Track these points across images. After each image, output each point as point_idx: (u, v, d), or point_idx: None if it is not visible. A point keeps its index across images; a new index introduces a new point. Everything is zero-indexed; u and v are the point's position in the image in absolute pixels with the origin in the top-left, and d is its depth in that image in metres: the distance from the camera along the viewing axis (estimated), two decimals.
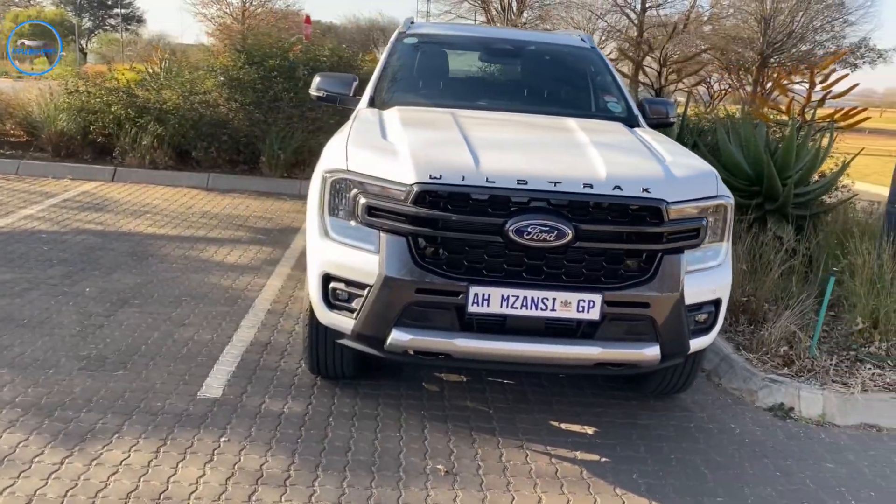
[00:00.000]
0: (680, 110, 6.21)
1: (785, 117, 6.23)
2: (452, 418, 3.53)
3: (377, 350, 3.27)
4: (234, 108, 8.98)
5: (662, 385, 3.79)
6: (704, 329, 3.30)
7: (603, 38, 52.75)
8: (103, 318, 4.43)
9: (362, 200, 3.07)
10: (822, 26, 51.50)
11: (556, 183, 2.99)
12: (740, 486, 3.13)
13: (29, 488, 2.73)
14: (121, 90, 9.10)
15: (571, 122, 4.03)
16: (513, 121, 4.04)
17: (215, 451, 3.09)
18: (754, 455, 3.41)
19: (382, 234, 3.04)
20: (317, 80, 4.56)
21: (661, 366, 3.29)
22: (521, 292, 2.97)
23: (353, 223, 3.14)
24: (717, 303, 3.29)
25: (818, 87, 5.60)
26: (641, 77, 35.76)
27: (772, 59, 46.73)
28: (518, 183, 2.98)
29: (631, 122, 4.33)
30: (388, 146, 3.28)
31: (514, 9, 49.40)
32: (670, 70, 38.25)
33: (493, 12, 49.36)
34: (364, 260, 3.06)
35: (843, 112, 5.68)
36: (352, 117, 4.06)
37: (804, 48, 47.73)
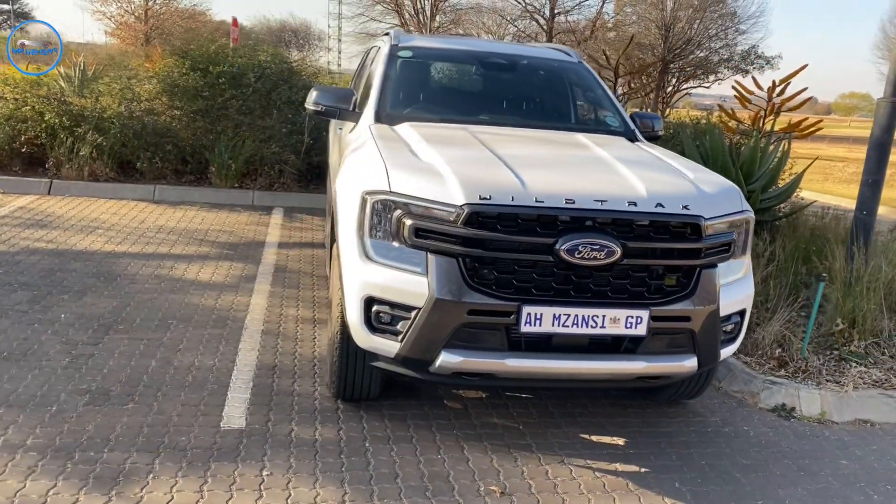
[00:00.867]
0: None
1: (731, 125, 6.56)
2: (486, 437, 3.52)
3: (419, 372, 3.23)
4: (179, 117, 8.60)
5: (679, 393, 3.92)
6: (732, 338, 3.43)
7: (514, 42, 53.86)
8: (91, 347, 4.16)
9: (409, 222, 3.02)
10: (717, 34, 54.28)
11: (602, 201, 3.04)
12: (774, 488, 3.28)
13: None
14: (52, 97, 8.55)
15: (581, 138, 4.10)
16: (527, 136, 4.06)
17: (262, 486, 2.96)
18: (775, 456, 3.57)
19: (430, 256, 3.00)
20: (313, 94, 4.44)
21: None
22: (572, 310, 3.00)
23: (396, 244, 3.08)
24: (742, 313, 3.43)
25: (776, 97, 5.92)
26: None
27: (672, 65, 49.02)
28: (566, 202, 3.00)
29: (630, 136, 4.45)
30: (428, 166, 3.23)
31: (428, 12, 49.84)
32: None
33: (406, 15, 49.59)
34: (411, 282, 3.01)
35: (798, 122, 6.03)
36: (364, 133, 3.96)
37: (701, 54, 50.25)
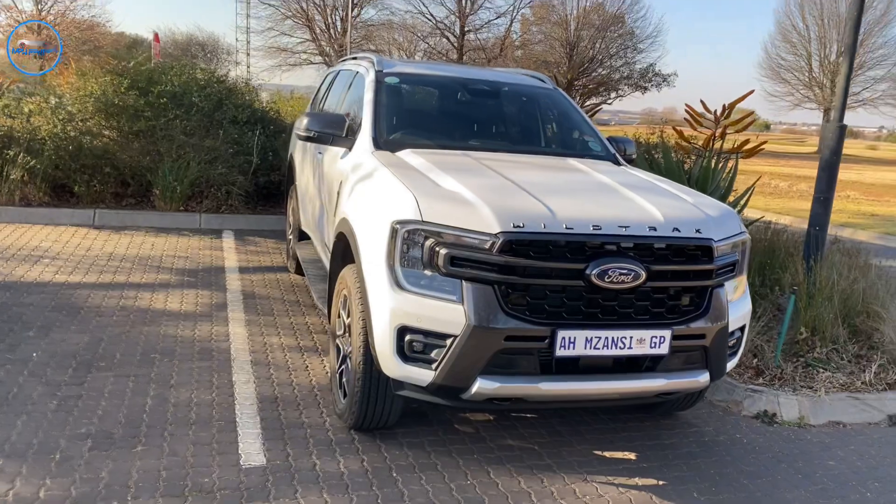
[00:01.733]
0: None
1: (684, 145, 6.94)
2: (507, 459, 3.57)
3: (448, 400, 3.26)
4: (117, 138, 8.22)
5: (675, 406, 4.10)
6: (735, 352, 3.64)
7: (424, 59, 54.53)
8: (76, 387, 3.94)
9: (443, 251, 3.04)
10: (618, 53, 57.05)
11: (625, 227, 3.17)
12: (781, 492, 3.49)
13: None
14: None
15: (575, 163, 4.25)
16: (528, 162, 4.16)
17: None
18: (772, 461, 3.80)
19: (465, 283, 3.04)
20: (304, 120, 4.38)
21: None
22: (603, 333, 3.11)
23: (428, 273, 3.10)
24: (743, 328, 3.65)
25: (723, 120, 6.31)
26: None
27: (576, 82, 50.86)
28: (593, 228, 3.12)
29: (613, 160, 4.64)
30: (453, 194, 3.27)
31: (339, 28, 49.65)
32: None
33: (317, 30, 49.23)
34: (447, 310, 3.04)
35: (743, 142, 6.44)
36: (368, 160, 3.95)
37: (603, 72, 52.48)
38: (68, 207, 7.97)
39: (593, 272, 3.06)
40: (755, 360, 4.71)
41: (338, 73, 6.12)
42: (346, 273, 3.68)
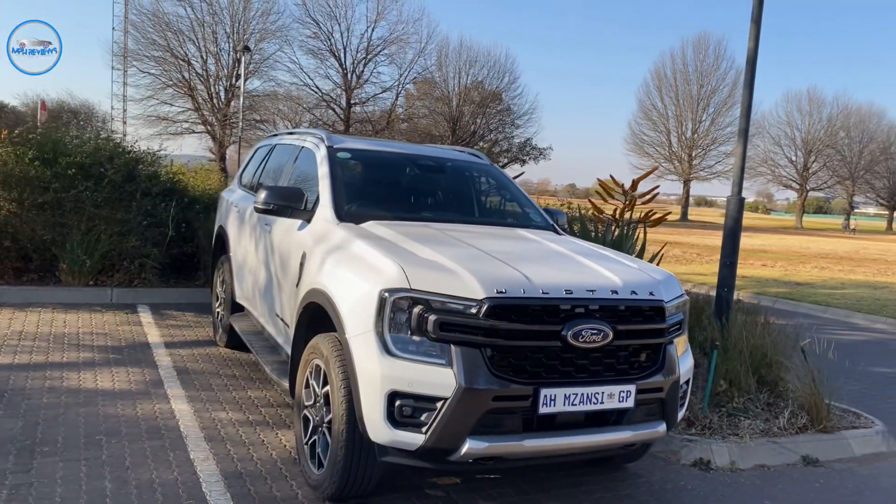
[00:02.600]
0: None
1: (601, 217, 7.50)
2: None
3: (434, 463, 3.37)
4: (17, 211, 7.81)
5: (624, 459, 4.38)
6: (683, 403, 3.98)
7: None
8: (24, 475, 3.71)
9: (432, 317, 3.21)
10: (497, 128, 60.05)
11: (592, 291, 3.47)
12: None
13: None
14: None
15: (525, 233, 4.58)
16: (485, 233, 4.43)
17: None
18: (723, 503, 4.14)
19: (454, 348, 3.21)
20: (262, 194, 4.46)
21: None
22: (579, 389, 3.35)
23: (416, 338, 3.25)
24: (688, 381, 4.01)
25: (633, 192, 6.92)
26: None
27: None
28: (566, 293, 3.40)
29: (553, 230, 5.00)
30: (435, 264, 3.46)
31: (223, 98, 49.26)
32: None
33: (200, 100, 48.58)
34: (437, 373, 3.18)
35: (648, 213, 7.07)
36: (336, 232, 4.08)
37: (485, 146, 54.91)
38: None
39: (569, 332, 3.32)
40: (686, 412, 5.11)
41: (273, 146, 6.22)
42: (320, 342, 3.74)
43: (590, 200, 7.28)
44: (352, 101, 52.08)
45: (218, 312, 6.60)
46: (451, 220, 4.70)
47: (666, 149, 69.08)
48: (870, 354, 8.65)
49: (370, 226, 4.19)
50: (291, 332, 4.34)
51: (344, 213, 4.34)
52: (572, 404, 3.34)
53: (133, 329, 6.85)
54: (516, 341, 3.28)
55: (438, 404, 3.18)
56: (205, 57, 47.52)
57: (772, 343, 5.92)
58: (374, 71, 52.04)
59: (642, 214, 7.12)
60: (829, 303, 12.89)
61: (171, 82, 47.03)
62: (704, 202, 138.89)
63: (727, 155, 66.16)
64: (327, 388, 3.63)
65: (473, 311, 3.22)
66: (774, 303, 9.11)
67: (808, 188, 77.65)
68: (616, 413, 3.53)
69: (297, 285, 4.27)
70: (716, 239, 32.60)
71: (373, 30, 50.30)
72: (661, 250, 7.03)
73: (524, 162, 59.13)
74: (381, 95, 53.02)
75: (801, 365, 5.60)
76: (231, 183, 7.41)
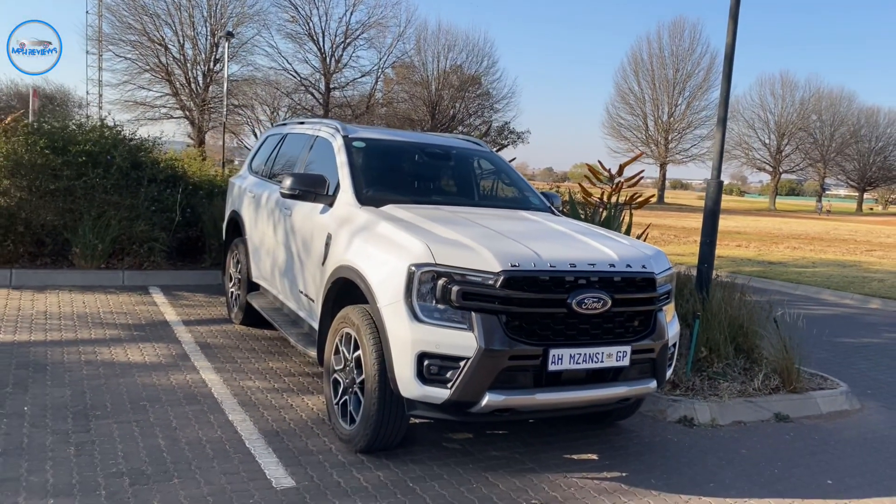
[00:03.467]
0: None
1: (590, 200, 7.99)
2: (497, 466, 4.17)
3: (457, 414, 3.85)
4: (29, 198, 8.11)
5: (616, 416, 4.90)
6: (671, 364, 4.49)
7: (288, 114, 54.93)
8: (85, 434, 4.12)
9: (455, 288, 3.67)
10: (476, 112, 60.33)
11: (592, 265, 3.96)
12: (714, 474, 4.32)
13: None
14: None
15: (528, 214, 5.05)
16: (492, 214, 4.89)
17: None
18: (700, 454, 4.64)
19: (474, 314, 3.68)
20: (288, 180, 4.88)
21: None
22: (582, 350, 3.84)
23: (441, 306, 3.71)
24: (675, 344, 4.52)
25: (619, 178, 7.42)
26: None
27: None
28: (570, 266, 3.88)
29: (551, 211, 5.48)
30: (455, 241, 3.92)
31: (200, 83, 48.96)
32: None
33: (178, 85, 48.25)
34: (460, 336, 3.65)
35: (633, 196, 7.58)
36: (360, 215, 4.52)
37: (463, 130, 55.18)
38: None
39: (573, 301, 3.80)
40: (672, 374, 5.64)
41: (284, 135, 6.61)
42: (350, 312, 4.18)
43: (579, 185, 7.76)
44: (331, 86, 52.04)
45: (232, 292, 7.01)
46: (460, 203, 5.16)
47: (643, 132, 69.91)
48: (836, 326, 9.28)
49: (390, 209, 4.63)
50: (317, 305, 4.78)
51: (364, 198, 4.78)
52: (576, 363, 3.83)
53: (150, 309, 7.24)
54: (528, 308, 3.75)
55: (461, 363, 3.65)
56: (182, 41, 47.13)
57: (748, 315, 6.47)
58: (353, 55, 52.08)
59: (627, 197, 7.61)
60: (799, 280, 13.56)
61: (147, 67, 46.60)
62: (680, 185, 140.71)
63: (702, 138, 67.20)
64: (358, 352, 4.09)
65: (491, 282, 3.69)
66: (749, 281, 9.68)
67: (781, 171, 79.06)
68: (613, 371, 4.03)
69: (322, 263, 4.70)
70: (692, 221, 33.41)
71: (351, 13, 50.29)
72: (645, 231, 7.54)
73: (503, 146, 59.59)
74: (360, 80, 53.03)
75: (774, 334, 6.15)
76: (240, 169, 7.78)
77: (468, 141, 6.17)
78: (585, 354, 3.85)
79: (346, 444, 4.22)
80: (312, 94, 52.68)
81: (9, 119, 9.47)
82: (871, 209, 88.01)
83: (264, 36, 49.04)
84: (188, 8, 45.66)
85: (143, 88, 46.96)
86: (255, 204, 6.39)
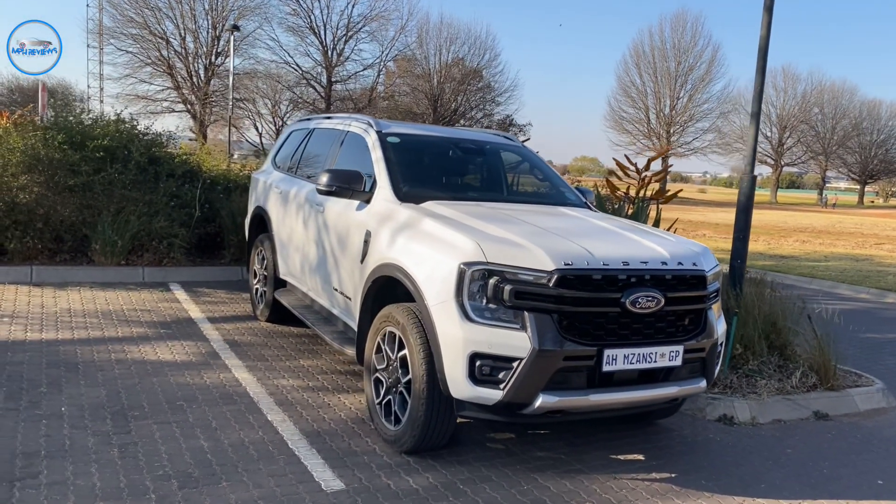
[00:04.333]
0: None
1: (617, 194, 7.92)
2: (545, 467, 4.11)
3: (508, 416, 3.78)
4: (47, 193, 8.01)
5: (659, 413, 4.83)
6: (718, 362, 4.42)
7: (290, 108, 54.73)
8: (126, 436, 4.05)
9: (507, 287, 3.60)
10: (478, 105, 60.16)
11: (645, 262, 3.88)
12: (762, 474, 4.26)
13: None
14: None
15: (568, 211, 4.97)
16: (533, 211, 4.81)
17: None
18: (745, 454, 4.58)
19: (527, 314, 3.60)
20: (325, 177, 4.79)
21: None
22: (636, 350, 3.77)
23: (493, 305, 3.64)
24: (723, 343, 4.45)
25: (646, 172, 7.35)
26: None
27: None
28: (623, 264, 3.80)
29: (587, 207, 5.40)
30: (504, 239, 3.84)
31: (202, 76, 48.75)
32: None
33: (179, 78, 48.05)
34: (513, 336, 3.58)
35: (660, 191, 7.50)
36: (401, 211, 4.44)
37: (465, 123, 55.04)
38: (2, 266, 7.65)
39: (628, 300, 3.73)
40: None
41: (311, 130, 6.52)
42: (394, 311, 4.11)
43: (607, 179, 7.69)
44: (332, 79, 51.86)
45: (257, 289, 6.93)
46: (497, 198, 5.08)
47: (645, 125, 69.69)
48: (858, 322, 9.19)
49: (431, 205, 4.54)
50: (355, 303, 4.70)
51: (402, 194, 4.69)
52: (630, 363, 3.76)
53: (173, 306, 7.16)
54: (581, 307, 3.68)
55: (515, 364, 3.58)
56: (183, 34, 46.94)
57: (779, 311, 6.40)
58: (355, 48, 51.90)
59: (654, 192, 7.54)
60: (813, 275, 13.50)
61: (149, 60, 46.42)
62: (681, 178, 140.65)
63: (704, 131, 67.09)
64: (403, 351, 4.02)
65: (544, 281, 3.61)
66: (763, 275, 9.63)
67: (782, 163, 79.01)
68: (665, 371, 3.96)
69: (361, 261, 4.62)
70: (696, 215, 33.33)
71: (353, 6, 50.06)
72: (672, 226, 7.46)
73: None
74: (362, 73, 52.85)
75: (808, 330, 6.08)
76: (263, 164, 7.69)
77: (500, 136, 6.08)
78: (639, 354, 3.78)
79: (390, 445, 4.16)
80: (314, 88, 52.49)
81: (17, 114, 9.38)
82: (872, 202, 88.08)
83: (266, 29, 48.72)
84: (189, 1, 45.43)
85: (145, 82, 46.80)
86: (282, 200, 6.31)
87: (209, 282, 8.39)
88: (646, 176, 7.31)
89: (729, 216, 31.47)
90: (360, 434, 4.36)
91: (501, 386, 3.61)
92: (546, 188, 5.67)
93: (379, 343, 4.28)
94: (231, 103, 37.65)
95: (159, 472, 3.64)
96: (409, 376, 3.95)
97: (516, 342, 3.58)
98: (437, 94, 56.63)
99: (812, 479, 4.25)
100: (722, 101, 67.44)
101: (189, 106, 48.59)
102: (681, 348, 3.91)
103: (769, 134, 76.38)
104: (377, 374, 4.31)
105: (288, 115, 54.91)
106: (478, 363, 3.62)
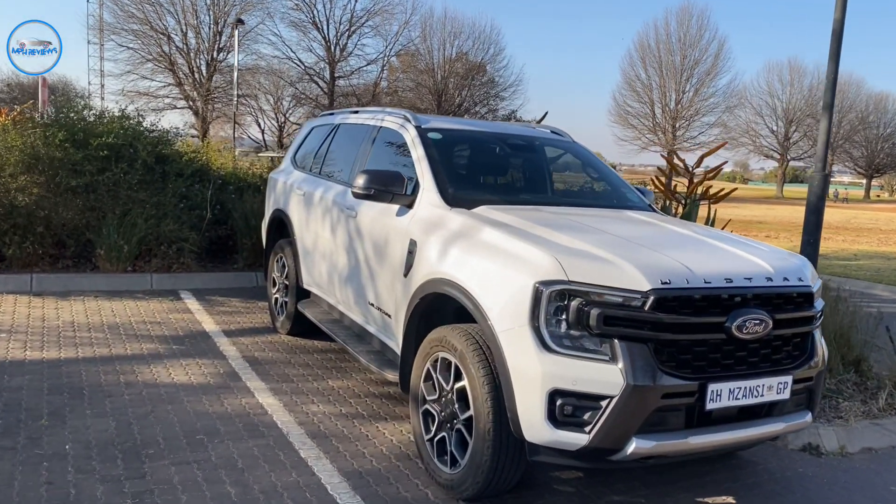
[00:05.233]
0: None
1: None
2: None
3: (594, 462, 3.22)
4: (48, 195, 7.43)
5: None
6: (822, 390, 3.85)
7: (293, 104, 54.12)
8: (140, 482, 3.48)
9: (595, 311, 3.02)
10: (482, 100, 59.50)
11: (749, 279, 3.30)
12: None
13: None
14: None
15: (636, 215, 4.38)
16: (599, 215, 4.23)
17: None
18: (844, 491, 4.01)
19: (618, 342, 3.02)
20: (361, 179, 4.21)
21: None
22: (742, 383, 3.19)
23: (575, 333, 3.06)
24: (826, 370, 3.87)
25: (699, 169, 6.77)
26: None
27: None
28: (726, 282, 3.22)
29: (650, 209, 4.81)
30: (585, 253, 3.26)
31: (204, 72, 48.13)
32: None
33: (181, 74, 47.45)
34: (602, 370, 3.00)
35: (713, 188, 6.93)
36: (453, 218, 3.85)
37: (469, 118, 54.26)
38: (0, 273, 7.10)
39: (733, 324, 3.15)
40: None
41: (336, 126, 5.93)
42: (448, 334, 3.53)
43: (656, 178, 7.10)
44: (336, 75, 51.23)
45: (277, 299, 6.36)
46: (555, 202, 4.51)
47: (650, 120, 68.92)
48: None
49: (485, 211, 3.96)
50: (397, 322, 4.13)
51: (451, 198, 4.10)
52: (736, 399, 3.19)
53: (185, 317, 6.59)
54: (682, 335, 3.10)
55: (604, 403, 3.00)
56: (184, 30, 46.33)
57: (851, 322, 5.83)
58: (359, 43, 51.25)
59: (704, 190, 6.96)
60: (847, 274, 12.91)
61: (150, 56, 45.85)
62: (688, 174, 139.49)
63: (710, 125, 66.37)
64: (462, 383, 3.44)
65: (637, 303, 3.04)
66: (827, 280, 9.05)
67: (788, 158, 78.27)
68: (768, 405, 3.38)
69: (405, 275, 4.04)
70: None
71: (356, 1, 49.36)
72: (724, 227, 6.88)
73: None
74: (365, 68, 52.24)
75: (887, 344, 5.52)
76: (281, 163, 7.10)
77: (550, 130, 5.47)
78: (746, 388, 3.21)
79: (446, 491, 3.58)
80: (317, 83, 51.86)
81: (17, 111, 8.82)
82: (878, 196, 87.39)
83: (268, 24, 48.15)
84: None
85: (146, 78, 46.16)
86: (305, 202, 5.72)
87: (222, 289, 7.81)
88: (700, 174, 6.72)
89: (740, 212, 30.89)
90: (408, 475, 3.79)
91: (587, 429, 3.04)
92: (604, 188, 5.07)
93: (429, 370, 3.70)
94: (235, 99, 37.04)
95: None
96: (470, 412, 3.37)
97: (606, 377, 3.00)
98: (441, 90, 55.95)
99: None
100: (728, 95, 66.69)
101: (191, 102, 48.02)
102: (789, 378, 3.34)
103: (775, 128, 75.71)
104: (427, 406, 3.73)
105: (290, 111, 54.37)
106: (559, 402, 3.04)
